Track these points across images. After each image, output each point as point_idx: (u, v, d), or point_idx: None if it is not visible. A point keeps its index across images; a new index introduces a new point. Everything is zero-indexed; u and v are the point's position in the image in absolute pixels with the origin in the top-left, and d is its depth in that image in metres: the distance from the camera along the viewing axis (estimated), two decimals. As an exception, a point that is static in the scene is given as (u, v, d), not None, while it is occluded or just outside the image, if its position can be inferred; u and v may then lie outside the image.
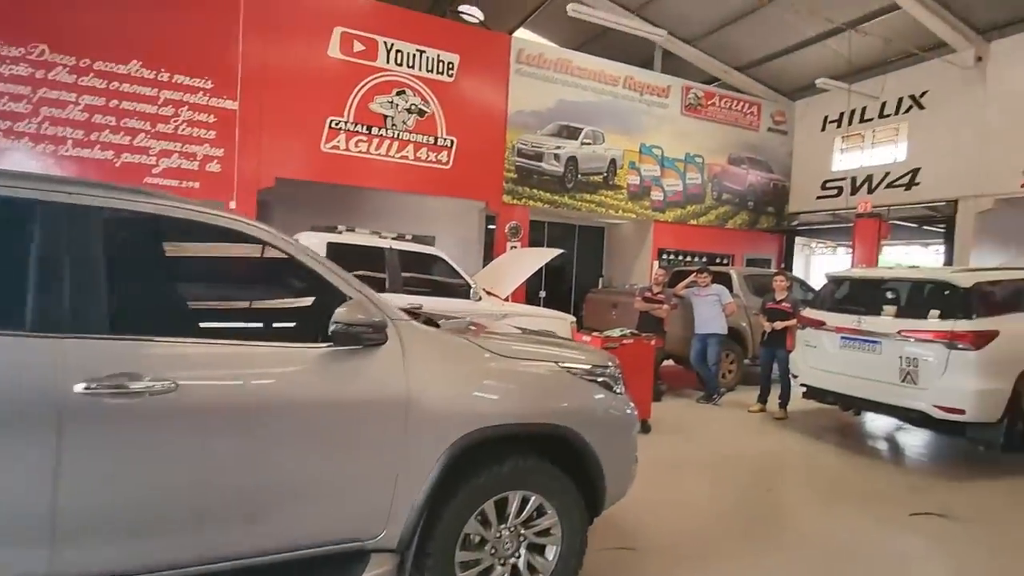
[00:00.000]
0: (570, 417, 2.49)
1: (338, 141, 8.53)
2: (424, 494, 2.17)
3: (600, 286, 12.20)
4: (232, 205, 7.83)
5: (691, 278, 7.56)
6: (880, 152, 11.22)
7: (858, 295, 5.91)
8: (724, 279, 8.15)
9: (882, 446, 6.01)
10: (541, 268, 11.74)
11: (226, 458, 1.92)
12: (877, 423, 6.57)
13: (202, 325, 2.09)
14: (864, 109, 11.22)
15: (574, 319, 6.59)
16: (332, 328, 1.97)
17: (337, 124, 8.51)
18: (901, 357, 5.13)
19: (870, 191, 11.02)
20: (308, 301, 2.25)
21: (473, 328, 3.45)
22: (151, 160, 7.49)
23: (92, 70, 7.18)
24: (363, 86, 8.64)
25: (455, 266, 6.06)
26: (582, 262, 12.57)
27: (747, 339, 8.03)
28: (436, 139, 9.21)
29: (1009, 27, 9.12)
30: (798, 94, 12.59)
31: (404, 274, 5.82)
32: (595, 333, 5.60)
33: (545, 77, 10.14)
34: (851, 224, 11.25)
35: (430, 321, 2.83)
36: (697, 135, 11.75)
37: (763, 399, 6.89)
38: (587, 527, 2.58)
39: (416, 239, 6.37)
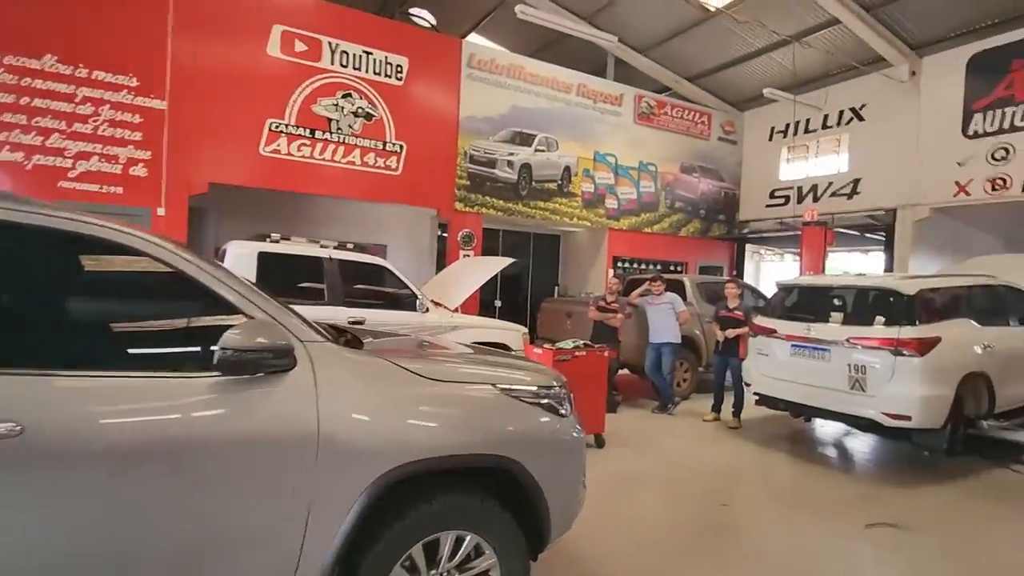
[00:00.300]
0: (510, 446, 2.25)
1: (279, 144, 8.08)
2: (339, 541, 1.89)
3: (556, 295, 12.08)
4: (160, 212, 7.28)
5: (645, 286, 7.48)
6: (824, 162, 11.56)
7: (807, 303, 5.93)
8: (677, 287, 8.13)
9: (832, 453, 6.03)
10: (496, 277, 11.55)
11: (84, 512, 1.59)
12: (826, 429, 6.61)
13: (62, 354, 1.74)
14: (808, 120, 11.55)
15: (526, 331, 6.37)
16: (218, 355, 1.67)
17: (278, 127, 8.07)
18: (850, 365, 5.14)
19: (815, 200, 11.32)
20: (196, 322, 1.93)
21: (426, 344, 3.20)
22: (67, 163, 6.86)
23: (0, 64, 6.54)
24: (306, 87, 8.24)
25: (401, 276, 5.76)
26: (538, 271, 12.43)
27: (701, 347, 8.01)
28: (385, 144, 8.87)
29: (939, 44, 9.55)
30: (746, 105, 12.88)
31: (347, 286, 5.47)
32: (547, 345, 5.40)
33: (497, 83, 9.97)
34: (798, 232, 11.53)
35: (356, 340, 2.55)
36: (650, 143, 11.82)
37: (717, 408, 6.84)
38: (529, 566, 2.34)
39: (363, 248, 6.02)
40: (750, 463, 5.47)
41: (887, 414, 4.88)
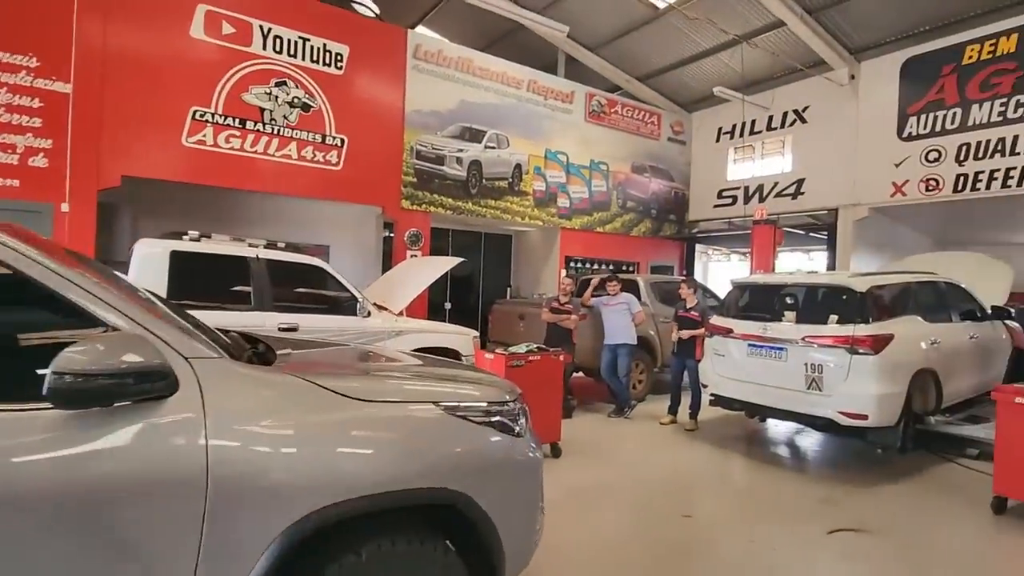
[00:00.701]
0: (454, 477, 1.89)
1: (204, 135, 7.39)
2: (240, 613, 1.48)
3: (508, 296, 11.77)
4: (64, 208, 6.48)
5: (594, 283, 7.27)
6: (769, 163, 11.78)
7: (762, 301, 5.84)
8: (631, 287, 7.97)
9: (787, 453, 5.96)
10: (446, 278, 11.13)
11: None
12: (779, 428, 6.56)
13: None
14: (754, 122, 11.73)
15: (477, 334, 6.02)
16: (48, 382, 1.23)
17: (203, 115, 7.38)
18: (806, 364, 5.06)
19: (761, 200, 11.50)
20: (32, 338, 1.48)
21: (366, 355, 2.80)
22: (-52, 151, 5.99)
23: None
24: (234, 74, 7.58)
25: (340, 278, 5.28)
26: (489, 271, 12.08)
27: (656, 348, 7.88)
28: (324, 137, 8.31)
29: (877, 48, 9.86)
30: (695, 106, 13.00)
31: (277, 289, 4.94)
32: (499, 350, 5.06)
33: (445, 76, 9.57)
34: (746, 231, 11.70)
35: (268, 352, 2.12)
36: (601, 142, 11.71)
37: (673, 410, 6.69)
38: (479, 616, 1.98)
39: (297, 248, 5.49)
40: (709, 468, 5.31)
41: (844, 413, 4.82)
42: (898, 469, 5.21)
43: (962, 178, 8.85)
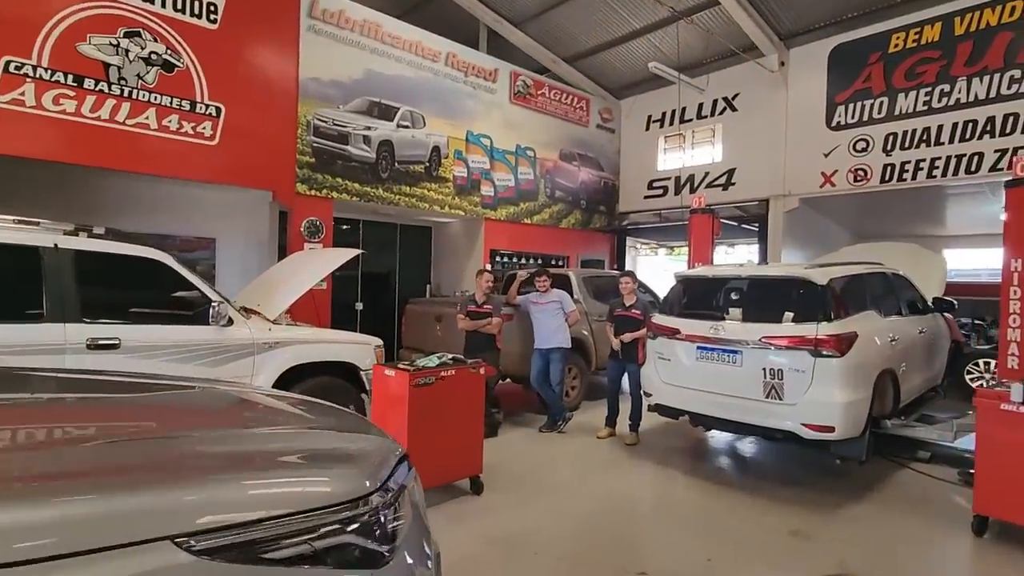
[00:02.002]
0: None
1: (22, 93, 5.72)
2: None
3: (428, 294, 10.65)
4: None
5: (520, 279, 6.35)
6: (700, 152, 11.38)
7: (710, 297, 5.14)
8: (563, 282, 7.14)
9: (735, 467, 5.30)
10: (356, 275, 9.86)
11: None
12: (722, 436, 5.92)
13: None
14: (684, 110, 11.28)
15: (380, 343, 4.90)
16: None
17: (20, 68, 5.71)
18: (765, 369, 4.37)
19: (692, 190, 11.08)
20: None
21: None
22: None
23: None
24: (65, 17, 5.95)
25: (188, 275, 3.99)
26: (407, 267, 10.87)
27: (590, 350, 7.08)
28: (193, 104, 6.80)
29: (806, 34, 9.61)
30: (624, 92, 12.41)
31: (89, 291, 3.60)
32: (403, 364, 3.98)
33: (349, 41, 8.28)
34: (677, 223, 11.23)
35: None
36: (528, 126, 10.82)
37: (612, 422, 5.90)
38: None
39: (119, 236, 4.13)
40: (658, 495, 4.51)
41: (808, 425, 4.17)
42: (856, 481, 4.69)
43: (889, 168, 8.73)
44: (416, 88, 9.05)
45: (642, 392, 5.44)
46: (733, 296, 5.00)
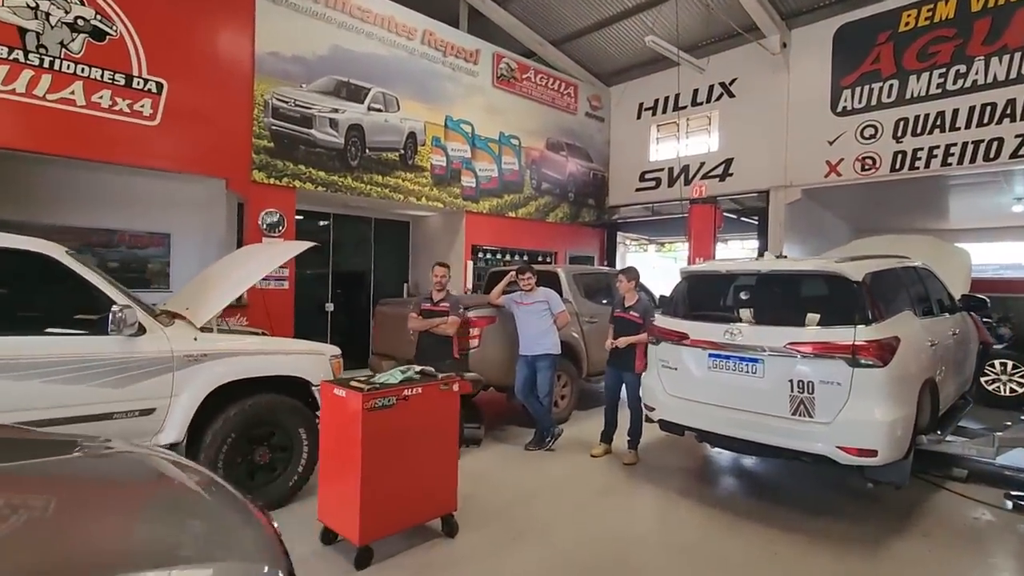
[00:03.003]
0: None
1: (-86, 60, 4.86)
2: None
3: (405, 294, 9.87)
4: None
5: (508, 279, 5.62)
6: (695, 142, 10.73)
7: (725, 296, 4.45)
8: (551, 280, 6.42)
9: (753, 491, 4.60)
10: (327, 272, 9.05)
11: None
12: (730, 454, 5.24)
13: None
14: (678, 97, 10.62)
15: (337, 352, 4.13)
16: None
17: (-89, 30, 4.85)
18: (792, 381, 3.69)
19: (687, 182, 10.43)
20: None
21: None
22: None
23: None
24: (-33, -29, 5.09)
25: (85, 273, 3.18)
26: (383, 265, 10.07)
27: (581, 354, 6.37)
28: (130, 79, 5.97)
29: (809, 14, 8.99)
30: (614, 78, 11.72)
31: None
32: (356, 382, 3.21)
33: (313, 12, 7.46)
34: (669, 217, 10.59)
35: None
36: (512, 113, 10.08)
37: (608, 437, 5.21)
38: None
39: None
40: (669, 534, 3.80)
41: (845, 449, 3.49)
42: (890, 508, 4.06)
43: (900, 156, 8.14)
44: (389, 68, 8.26)
45: (643, 405, 4.74)
46: (747, 295, 4.32)
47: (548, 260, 10.73)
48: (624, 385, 5.06)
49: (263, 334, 4.87)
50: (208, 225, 7.84)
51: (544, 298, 5.36)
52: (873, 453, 3.44)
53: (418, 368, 3.62)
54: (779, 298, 4.24)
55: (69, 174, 6.62)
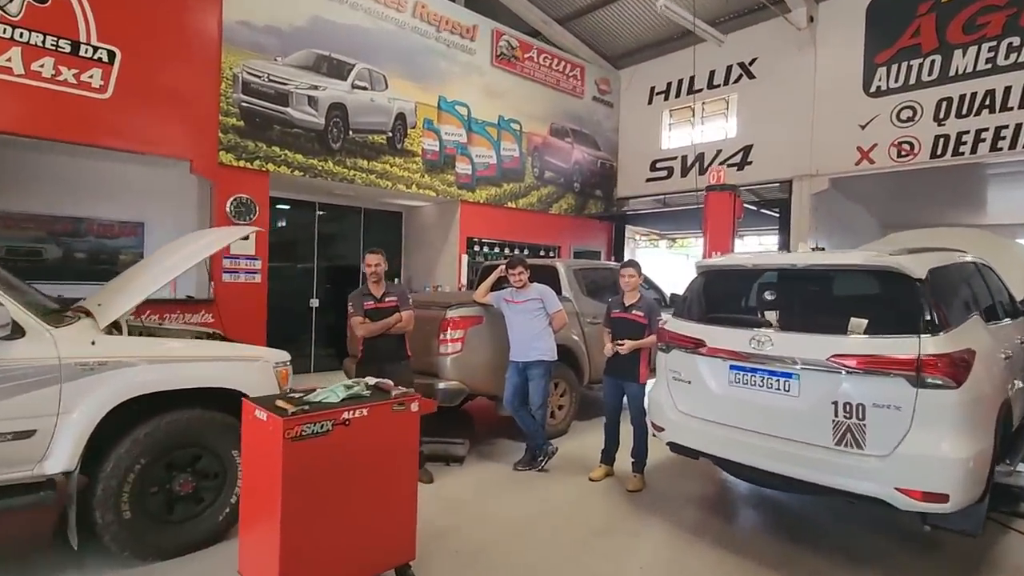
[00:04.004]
0: None
1: None
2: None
3: (396, 289, 9.19)
4: None
5: (497, 273, 4.92)
6: (711, 128, 9.93)
7: (751, 296, 3.72)
8: (548, 275, 5.72)
9: (779, 529, 3.86)
10: (311, 266, 8.42)
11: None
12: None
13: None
14: (692, 79, 9.82)
15: (283, 359, 3.44)
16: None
17: None
18: (836, 403, 2.95)
19: (702, 172, 9.64)
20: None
21: None
22: None
23: None
24: None
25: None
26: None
27: (581, 359, 5.66)
28: (76, 46, 5.33)
29: (839, -16, 8.17)
30: (624, 60, 10.94)
31: None
32: (283, 402, 2.53)
33: (290, -21, 6.79)
34: (682, 208, 9.82)
35: None
36: (513, 95, 9.35)
37: (609, 457, 4.50)
38: None
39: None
40: (677, 585, 3.09)
41: (906, 491, 2.75)
42: (952, 555, 3.31)
43: (942, 140, 7.31)
44: (376, 42, 7.56)
45: (649, 422, 4.02)
46: (776, 295, 3.59)
47: (552, 255, 10.00)
48: (626, 397, 4.34)
49: (215, 335, 4.22)
50: (185, 213, 7.23)
51: (538, 296, 4.65)
52: (943, 498, 2.70)
53: (372, 381, 2.94)
54: (818, 298, 3.50)
55: (26, 156, 6.06)
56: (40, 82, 5.15)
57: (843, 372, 2.95)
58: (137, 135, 5.73)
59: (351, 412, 2.53)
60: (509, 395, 4.62)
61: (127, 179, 6.80)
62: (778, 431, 3.16)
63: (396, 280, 8.24)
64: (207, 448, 3.12)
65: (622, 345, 4.17)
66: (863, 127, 7.93)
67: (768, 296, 3.62)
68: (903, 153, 7.60)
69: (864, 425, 2.88)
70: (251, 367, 3.30)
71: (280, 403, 2.50)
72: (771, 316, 3.42)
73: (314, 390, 2.74)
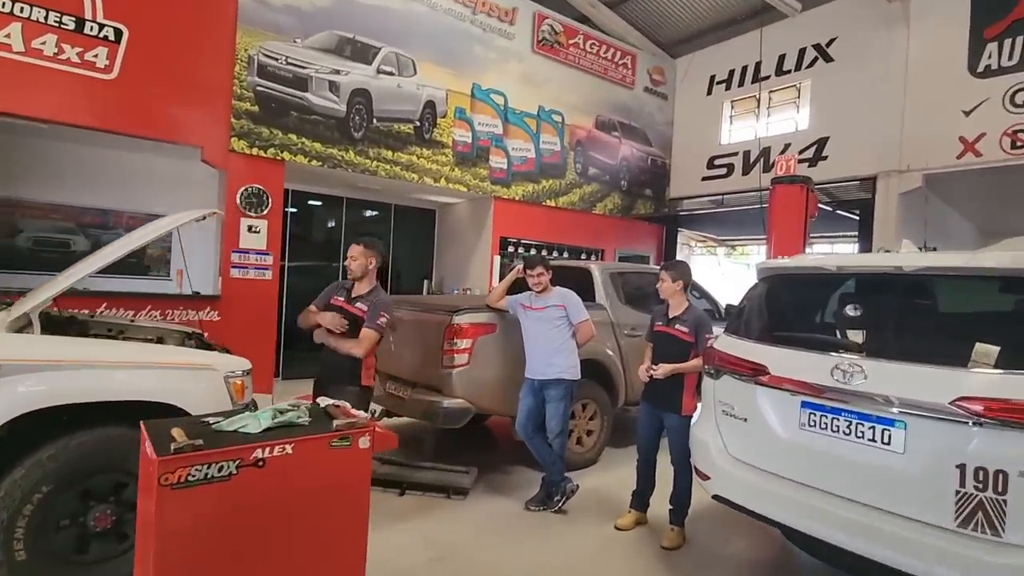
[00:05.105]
0: None
1: None
2: None
3: (426, 291, 8.66)
4: None
5: (513, 272, 4.19)
6: (778, 120, 8.84)
7: (831, 310, 2.83)
8: (582, 278, 4.96)
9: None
10: (337, 266, 7.99)
11: None
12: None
13: None
14: (759, 66, 8.79)
15: (241, 369, 2.85)
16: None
17: None
18: (962, 467, 2.04)
19: (766, 169, 8.57)
20: None
21: None
22: None
23: None
24: None
25: None
26: (404, 258, 8.94)
27: (617, 377, 4.83)
28: (80, 23, 5.04)
29: (939, -53, 6.97)
30: (681, 48, 10.00)
31: None
32: (179, 431, 1.90)
33: (312, -45, 6.37)
34: (743, 209, 8.75)
35: None
36: (555, 84, 8.62)
37: (641, 503, 3.68)
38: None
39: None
40: None
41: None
42: None
43: (1072, 127, 6.01)
44: (405, 24, 7.04)
45: (693, 465, 3.17)
46: (868, 309, 2.68)
47: (595, 258, 9.18)
48: (666, 431, 3.51)
49: (193, 335, 3.72)
50: (212, 206, 6.92)
51: (560, 302, 3.89)
52: None
53: (327, 403, 2.29)
54: (926, 316, 2.57)
55: (53, 146, 5.95)
56: (41, 60, 4.88)
57: (971, 423, 2.04)
58: (144, 119, 5.40)
59: (267, 450, 1.87)
60: (522, 419, 3.87)
61: (153, 171, 6.58)
62: (870, 498, 2.27)
63: (467, 288, 7.55)
64: (134, 475, 2.56)
65: (655, 369, 3.34)
66: (967, 114, 6.69)
67: (854, 310, 2.72)
68: (1018, 144, 6.32)
69: (1004, 501, 1.97)
70: (193, 377, 2.72)
71: (176, 432, 1.87)
72: (858, 336, 2.54)
73: (234, 414, 2.12)
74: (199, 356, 2.84)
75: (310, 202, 7.79)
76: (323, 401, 2.38)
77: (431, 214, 9.13)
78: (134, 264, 6.81)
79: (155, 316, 5.50)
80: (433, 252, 9.18)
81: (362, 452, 2.09)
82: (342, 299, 3.36)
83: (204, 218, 3.24)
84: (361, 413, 2.32)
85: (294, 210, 7.48)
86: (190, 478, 1.72)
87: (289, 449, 1.91)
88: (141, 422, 2.05)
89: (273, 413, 2.08)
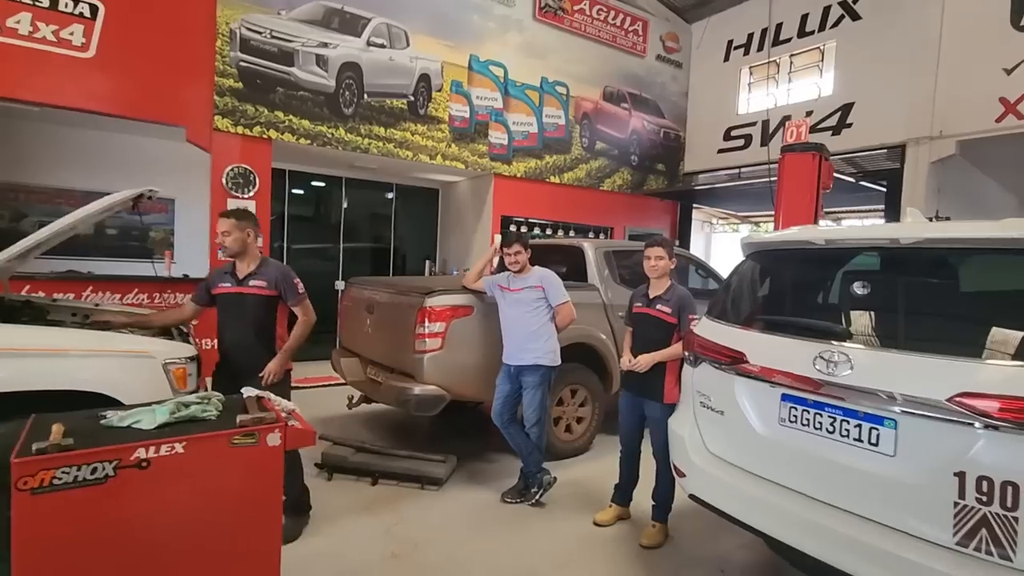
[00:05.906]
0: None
1: None
2: None
3: (427, 272, 8.48)
4: None
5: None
6: (800, 86, 8.26)
7: (824, 291, 2.50)
8: (573, 257, 4.69)
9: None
10: (336, 246, 7.87)
11: None
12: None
13: None
14: (780, 27, 8.20)
15: (183, 355, 2.69)
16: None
17: None
18: (962, 476, 1.73)
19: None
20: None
21: None
22: None
23: None
24: None
25: None
26: (407, 238, 8.75)
27: (609, 362, 4.56)
28: (56, 0, 4.91)
29: None
30: (697, 12, 9.41)
31: None
32: (57, 431, 1.73)
33: (296, -78, 6.09)
34: (763, 182, 8.23)
35: None
36: (559, 54, 8.21)
37: (623, 496, 3.43)
38: None
39: None
40: None
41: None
42: None
43: None
44: (396, -7, 6.73)
45: (672, 464, 2.90)
46: (868, 289, 2.34)
47: (603, 237, 8.82)
48: (646, 421, 3.24)
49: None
50: (205, 188, 6.86)
51: (538, 283, 3.62)
52: None
53: (252, 393, 2.11)
54: (932, 297, 2.22)
55: (54, 130, 5.93)
56: (16, 39, 4.78)
57: (976, 423, 1.71)
58: (124, 98, 5.28)
59: (151, 448, 1.68)
60: (498, 406, 3.65)
61: (156, 155, 6.51)
62: (856, 506, 1.97)
63: (466, 269, 7.35)
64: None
65: (637, 363, 3.07)
66: (1009, 72, 6.06)
67: (859, 289, 2.37)
68: (1068, 104, 5.70)
69: (1016, 519, 1.65)
70: (127, 364, 2.57)
71: (55, 428, 1.69)
72: (863, 323, 2.21)
73: (146, 405, 1.94)
74: (140, 343, 2.68)
75: (306, 183, 7.64)
76: (247, 392, 2.19)
77: (434, 193, 8.90)
78: (136, 248, 6.81)
79: (142, 300, 5.45)
80: (436, 232, 8.96)
81: (271, 450, 1.90)
82: (229, 285, 2.93)
83: (143, 198, 3.05)
84: (286, 403, 2.14)
85: (299, 191, 7.38)
86: (55, 481, 1.55)
87: (180, 448, 1.73)
88: (32, 416, 1.90)
89: (175, 407, 1.90)
